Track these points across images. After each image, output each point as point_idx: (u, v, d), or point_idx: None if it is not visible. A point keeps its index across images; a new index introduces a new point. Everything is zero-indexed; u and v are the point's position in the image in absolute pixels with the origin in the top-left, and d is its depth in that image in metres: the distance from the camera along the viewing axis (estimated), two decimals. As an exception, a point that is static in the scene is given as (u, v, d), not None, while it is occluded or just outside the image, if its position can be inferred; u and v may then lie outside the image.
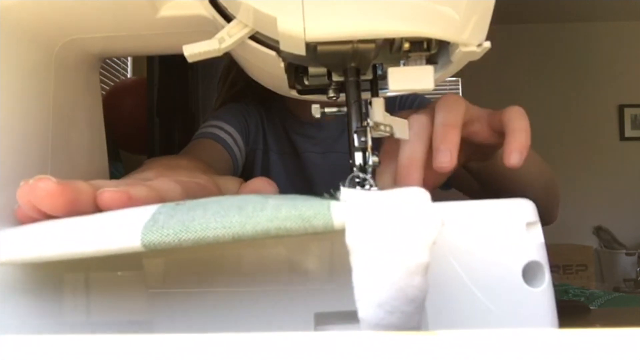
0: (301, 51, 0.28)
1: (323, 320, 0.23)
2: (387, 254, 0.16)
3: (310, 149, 0.70)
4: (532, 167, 0.36)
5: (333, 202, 0.18)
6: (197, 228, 0.18)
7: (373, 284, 0.16)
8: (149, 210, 0.20)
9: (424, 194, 0.18)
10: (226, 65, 0.75)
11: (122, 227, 0.19)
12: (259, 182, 0.30)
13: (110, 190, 0.23)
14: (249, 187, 0.30)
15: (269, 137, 0.71)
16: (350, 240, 0.16)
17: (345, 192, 0.19)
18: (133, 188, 0.24)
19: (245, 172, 0.69)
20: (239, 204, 0.19)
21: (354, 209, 0.17)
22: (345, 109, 0.33)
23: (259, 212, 0.18)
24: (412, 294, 0.16)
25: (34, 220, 0.23)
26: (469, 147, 0.38)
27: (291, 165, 0.70)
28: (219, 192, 0.31)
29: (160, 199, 0.24)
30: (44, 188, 0.21)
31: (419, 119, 0.35)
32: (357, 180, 0.31)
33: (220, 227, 0.18)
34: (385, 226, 0.16)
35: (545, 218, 0.30)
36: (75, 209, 0.22)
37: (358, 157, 0.31)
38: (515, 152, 0.33)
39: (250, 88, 0.71)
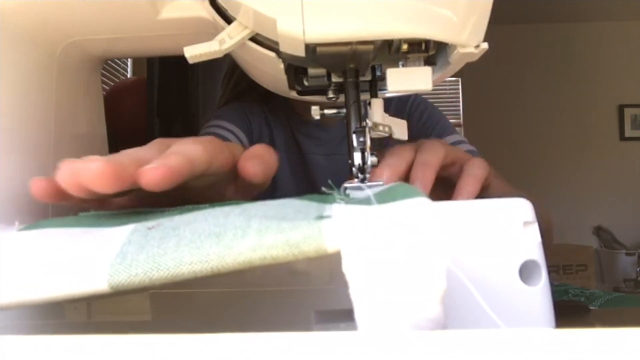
0: (301, 52, 0.28)
1: (323, 318, 0.23)
2: (395, 285, 0.14)
3: (315, 150, 0.70)
4: None
5: (325, 222, 0.16)
6: (170, 265, 0.16)
7: (382, 323, 0.14)
8: (119, 238, 0.18)
9: (427, 205, 0.17)
10: (231, 64, 0.75)
11: (88, 266, 0.17)
12: (259, 147, 0.30)
13: (152, 168, 0.22)
14: (251, 152, 0.29)
15: (276, 135, 0.70)
16: (348, 270, 0.15)
17: (337, 209, 0.18)
18: (167, 160, 0.23)
19: None
20: (217, 230, 0.17)
21: (349, 232, 0.15)
22: (344, 110, 0.33)
23: (240, 240, 0.16)
24: (429, 327, 0.14)
25: (61, 196, 0.23)
26: (450, 187, 0.39)
27: (296, 164, 0.70)
28: (232, 155, 0.30)
29: (190, 164, 0.24)
30: (95, 169, 0.21)
31: (402, 153, 0.36)
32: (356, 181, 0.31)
33: (196, 261, 0.16)
34: (389, 250, 0.14)
35: None
36: (122, 187, 0.22)
37: (357, 158, 0.31)
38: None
39: (254, 87, 0.71)
